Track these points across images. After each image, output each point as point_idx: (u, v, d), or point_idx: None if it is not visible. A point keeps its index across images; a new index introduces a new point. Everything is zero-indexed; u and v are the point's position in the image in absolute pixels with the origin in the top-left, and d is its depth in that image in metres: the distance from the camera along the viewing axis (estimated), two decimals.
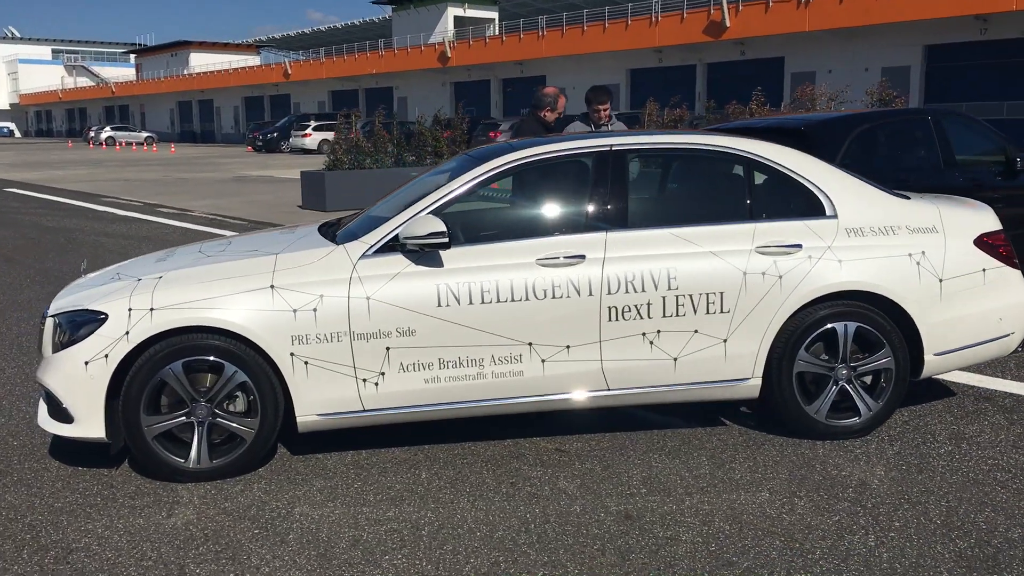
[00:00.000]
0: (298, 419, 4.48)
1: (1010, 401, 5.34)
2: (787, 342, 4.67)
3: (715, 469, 4.45)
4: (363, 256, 4.51)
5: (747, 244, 4.65)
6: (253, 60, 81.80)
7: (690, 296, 4.59)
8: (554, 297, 4.52)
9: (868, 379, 4.79)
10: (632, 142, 4.83)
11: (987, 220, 5.02)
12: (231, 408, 4.45)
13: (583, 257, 4.55)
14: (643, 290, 4.56)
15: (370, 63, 57.44)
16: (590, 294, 4.54)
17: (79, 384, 4.34)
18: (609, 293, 4.55)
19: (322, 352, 4.41)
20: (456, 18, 56.11)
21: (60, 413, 4.45)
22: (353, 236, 4.73)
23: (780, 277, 4.63)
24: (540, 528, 3.86)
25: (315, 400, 4.46)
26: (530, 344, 4.54)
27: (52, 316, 4.56)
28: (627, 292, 4.56)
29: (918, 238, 4.78)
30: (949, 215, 4.93)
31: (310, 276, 4.45)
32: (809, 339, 4.69)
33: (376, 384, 4.48)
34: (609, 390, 4.64)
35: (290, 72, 65.18)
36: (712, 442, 4.80)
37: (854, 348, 4.74)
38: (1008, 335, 4.95)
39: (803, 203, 4.80)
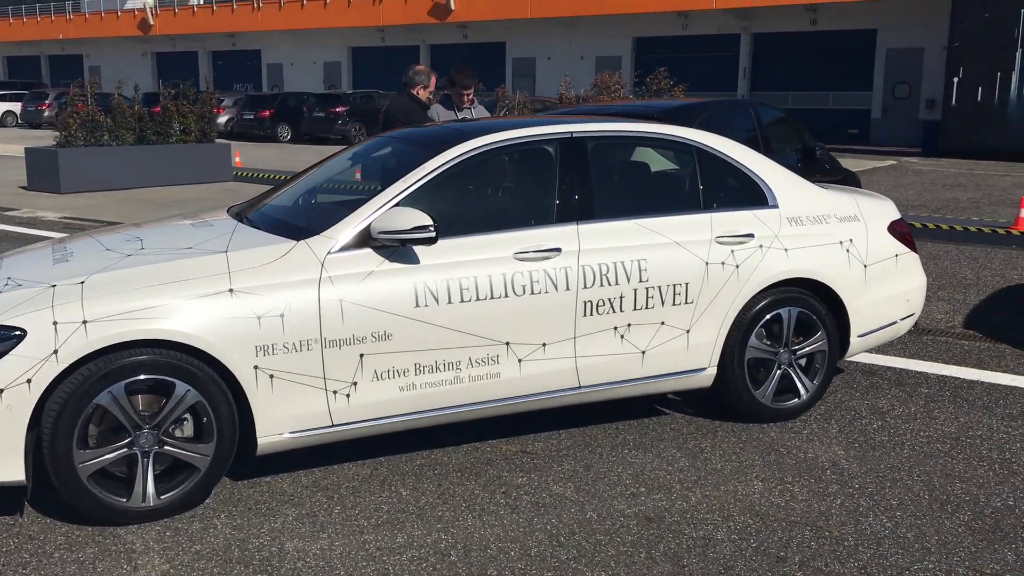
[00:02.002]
0: (260, 440, 3.93)
1: (892, 374, 5.77)
2: (740, 330, 4.75)
3: (693, 461, 4.43)
4: (330, 253, 4.02)
5: (707, 234, 4.66)
6: None
7: (659, 288, 4.53)
8: (532, 293, 4.29)
9: (803, 362, 4.97)
10: (589, 130, 4.67)
11: (891, 209, 5.37)
12: (178, 433, 3.82)
13: (559, 250, 4.35)
14: (616, 283, 4.44)
15: (56, 27, 52.19)
16: (567, 288, 4.35)
17: None
18: (585, 287, 4.38)
19: (289, 363, 3.89)
20: None
21: None
22: (290, 228, 4.22)
23: (737, 267, 4.68)
24: (572, 540, 3.65)
25: (280, 418, 3.94)
26: (507, 343, 4.28)
27: None
28: (602, 286, 4.41)
29: (845, 226, 5.02)
30: (865, 204, 5.23)
31: (273, 277, 3.91)
32: (758, 326, 4.79)
33: (348, 396, 4.03)
34: (580, 388, 4.49)
35: None
36: (667, 433, 4.78)
37: (792, 332, 4.90)
38: (911, 315, 5.35)
39: (748, 193, 4.89)
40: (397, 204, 4.15)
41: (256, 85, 44.87)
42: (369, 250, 4.07)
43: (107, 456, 3.70)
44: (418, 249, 4.11)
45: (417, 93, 7.22)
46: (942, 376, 5.70)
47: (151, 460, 3.77)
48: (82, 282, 3.77)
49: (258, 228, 4.35)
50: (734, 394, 4.81)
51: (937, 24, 27.91)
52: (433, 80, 7.26)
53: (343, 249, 4.04)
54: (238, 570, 3.43)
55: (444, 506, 3.95)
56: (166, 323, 3.69)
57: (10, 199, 14.62)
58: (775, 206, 4.89)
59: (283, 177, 17.27)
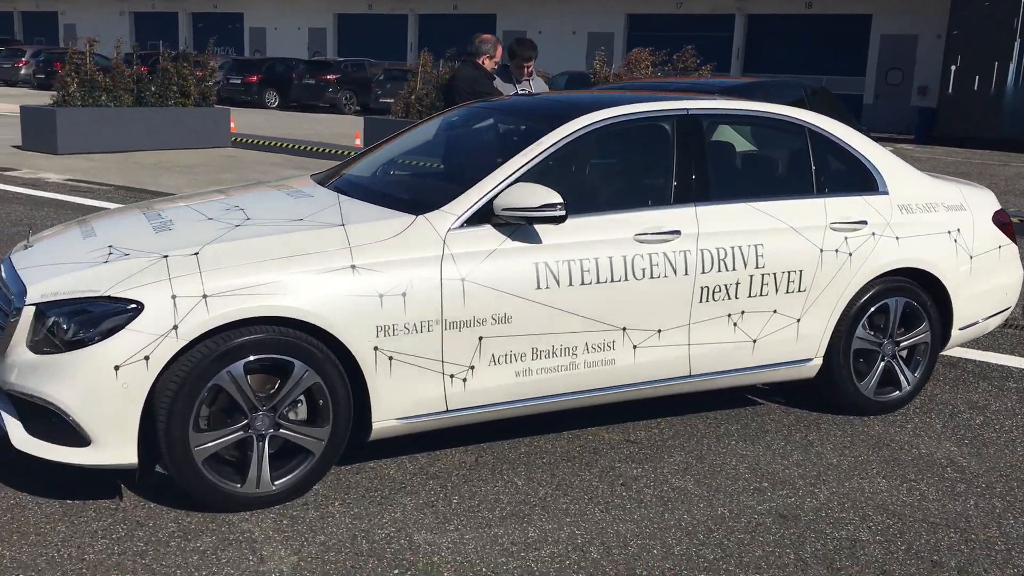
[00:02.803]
0: (375, 425, 3.72)
1: (973, 367, 5.66)
2: (848, 320, 4.59)
3: (806, 454, 4.28)
4: (451, 229, 3.80)
5: (822, 220, 4.49)
6: None
7: (774, 275, 4.36)
8: (652, 277, 4.10)
9: (904, 354, 4.83)
10: (704, 107, 4.47)
11: (993, 199, 5.23)
12: (292, 416, 3.60)
13: (679, 233, 4.16)
14: (734, 269, 4.26)
15: None
16: (685, 273, 4.16)
17: (104, 395, 3.30)
18: (703, 272, 4.20)
19: (409, 345, 3.68)
20: None
21: (61, 433, 3.38)
22: (399, 202, 3.99)
23: (850, 255, 4.52)
24: (712, 538, 3.49)
25: (396, 402, 3.73)
26: (624, 329, 4.09)
27: (33, 304, 3.43)
28: (719, 271, 4.23)
29: (953, 216, 4.87)
30: (968, 193, 5.08)
31: (395, 253, 3.68)
32: (865, 316, 4.64)
33: (464, 380, 3.83)
34: (690, 376, 4.32)
35: None
36: (769, 424, 4.63)
37: (897, 323, 4.76)
38: (1007, 309, 5.22)
39: (859, 178, 4.72)
40: (517, 180, 3.93)
41: (238, 49, 44.02)
42: (490, 227, 3.85)
43: (224, 439, 3.47)
44: (540, 228, 3.90)
45: (483, 63, 6.94)
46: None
47: (266, 444, 3.55)
48: (196, 253, 3.53)
49: (360, 200, 4.11)
50: (838, 386, 4.66)
51: (932, 12, 27.94)
52: (500, 50, 6.99)
53: (463, 226, 3.82)
54: (372, 564, 3.23)
55: (565, 498, 3.77)
56: (288, 299, 3.46)
57: (7, 159, 14.15)
58: (885, 192, 4.73)
59: (291, 145, 16.91)
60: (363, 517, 3.56)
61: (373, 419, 3.71)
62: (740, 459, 4.21)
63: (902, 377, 4.80)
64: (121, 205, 6.04)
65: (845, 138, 4.73)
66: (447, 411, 3.84)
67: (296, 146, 16.84)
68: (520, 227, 3.87)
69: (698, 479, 3.99)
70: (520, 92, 7.03)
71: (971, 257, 4.88)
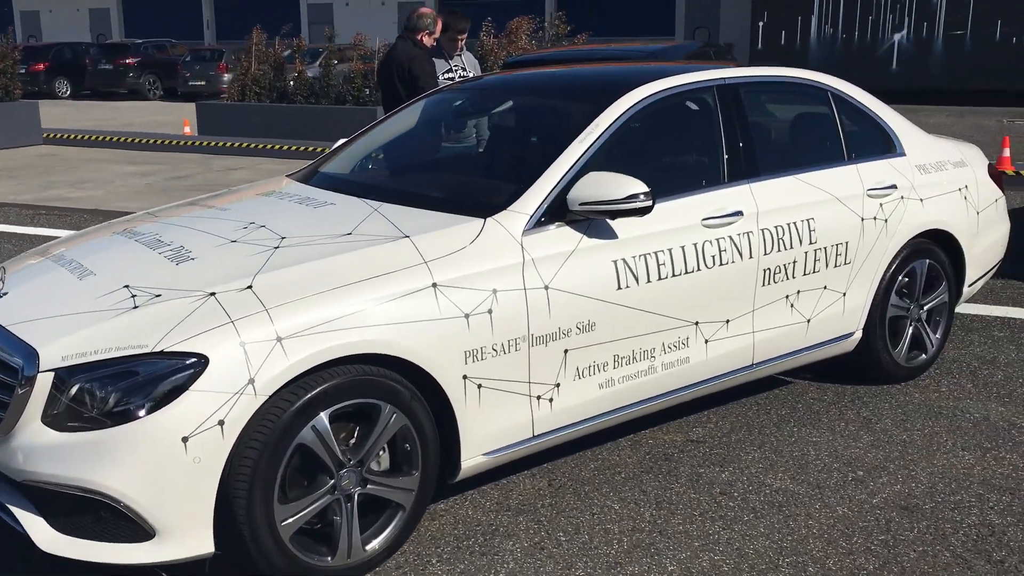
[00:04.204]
0: (463, 464, 3.23)
1: (962, 320, 5.68)
2: (883, 288, 4.44)
3: (875, 435, 4.09)
4: (525, 231, 3.32)
5: (859, 187, 4.30)
6: None
7: (824, 249, 4.13)
8: (721, 263, 3.77)
9: (926, 316, 4.74)
10: (737, 75, 4.15)
11: (981, 154, 5.21)
12: (374, 467, 3.05)
13: (741, 213, 3.84)
14: (791, 247, 4.00)
15: None
16: (750, 256, 3.86)
17: (172, 475, 2.65)
18: (765, 253, 3.91)
19: (497, 368, 3.20)
20: None
21: (112, 528, 2.71)
22: (445, 203, 3.49)
23: (885, 221, 4.35)
24: (855, 545, 3.22)
25: (485, 435, 3.24)
26: (696, 323, 3.75)
27: (51, 370, 2.71)
28: (779, 250, 3.96)
29: (960, 172, 4.80)
30: (965, 149, 5.03)
31: (474, 265, 3.18)
32: (896, 283, 4.50)
33: (550, 400, 3.38)
34: (752, 365, 4.04)
35: None
36: (815, 404, 4.42)
37: (923, 287, 4.65)
38: (999, 262, 5.24)
39: (881, 141, 4.55)
40: (581, 168, 3.49)
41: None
42: (564, 225, 3.40)
43: (312, 507, 2.89)
44: (614, 222, 3.48)
45: (421, 40, 6.31)
46: (1015, 319, 5.64)
47: (355, 505, 2.98)
48: (249, 287, 2.90)
49: (396, 204, 3.54)
50: (875, 356, 4.50)
51: None
52: (440, 25, 6.38)
53: (536, 226, 3.35)
54: None
55: (675, 518, 3.41)
56: (372, 332, 2.91)
57: None
58: (903, 154, 4.58)
59: (116, 138, 15.41)
60: (473, 573, 3.07)
61: (462, 458, 3.21)
62: (815, 447, 3.97)
63: (927, 340, 4.71)
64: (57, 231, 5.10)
65: (861, 99, 4.55)
66: (533, 437, 3.39)
67: (122, 139, 15.40)
68: (594, 222, 3.44)
69: (792, 476, 3.72)
70: (453, 68, 6.49)
71: (978, 213, 4.84)
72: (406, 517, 3.10)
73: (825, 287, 4.18)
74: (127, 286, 2.97)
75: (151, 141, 15.15)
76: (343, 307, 2.89)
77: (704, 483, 3.67)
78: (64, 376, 2.70)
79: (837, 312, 4.26)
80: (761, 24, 25.98)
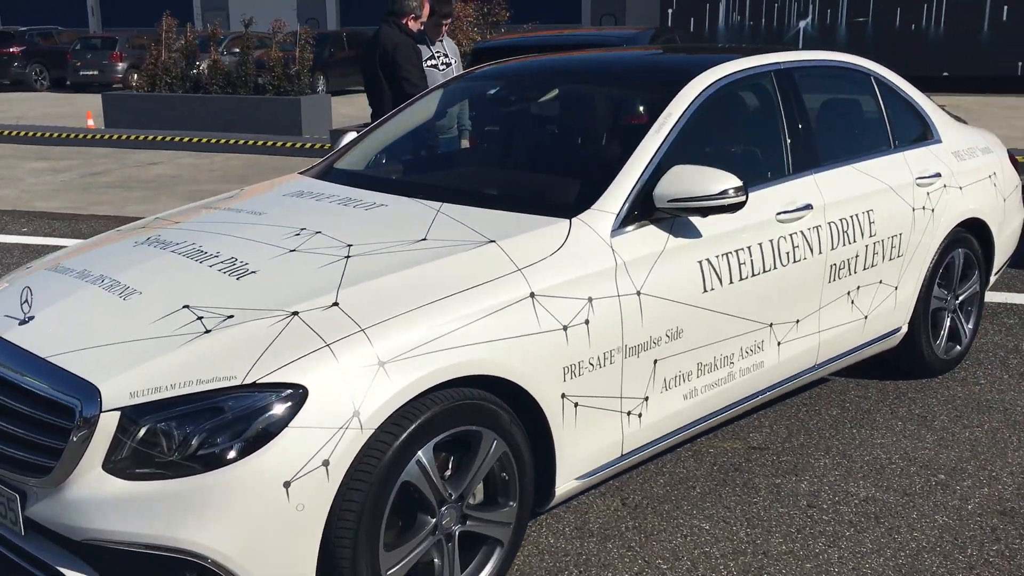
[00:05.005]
0: (557, 491, 2.92)
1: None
2: (927, 280, 4.30)
3: (938, 432, 3.94)
4: (613, 232, 3.03)
5: (908, 176, 4.13)
6: None
7: (882, 241, 3.95)
8: (794, 260, 3.55)
9: (959, 306, 4.62)
10: (789, 60, 3.91)
11: (999, 140, 5.11)
12: (470, 501, 2.72)
13: (811, 207, 3.62)
14: (854, 240, 3.81)
15: None
16: (820, 251, 3.65)
17: (272, 526, 2.28)
18: (832, 248, 3.71)
19: (593, 384, 2.90)
20: None
21: None
22: (511, 200, 3.17)
23: (932, 211, 4.21)
24: (972, 558, 3.04)
25: (579, 458, 2.94)
26: (771, 325, 3.52)
27: (118, 409, 2.30)
28: (844, 245, 3.76)
29: (988, 159, 4.69)
30: (987, 135, 4.93)
31: (568, 271, 2.86)
32: (938, 274, 4.37)
33: (640, 415, 3.10)
34: (815, 366, 3.83)
35: None
36: (862, 403, 4.25)
37: (959, 276, 4.54)
38: (1013, 249, 5.18)
39: (920, 127, 4.41)
40: (660, 161, 3.21)
41: None
42: (649, 224, 3.11)
43: (416, 552, 2.55)
44: (697, 219, 3.21)
45: (407, 24, 5.87)
46: (1018, 305, 5.61)
47: (455, 544, 2.65)
48: (335, 304, 2.52)
49: (458, 204, 3.19)
50: (919, 350, 4.36)
51: None
52: (427, 9, 5.95)
53: (621, 226, 3.06)
54: None
55: (773, 537, 3.17)
56: (477, 351, 2.57)
57: None
58: (939, 141, 4.45)
59: (17, 132, 14.38)
60: None
61: (556, 484, 2.90)
62: (883, 450, 3.80)
63: (961, 331, 4.60)
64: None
65: (898, 83, 4.40)
66: (621, 456, 3.10)
67: (23, 133, 14.38)
68: (677, 220, 3.17)
69: (874, 483, 3.53)
70: (436, 54, 6.11)
71: (1004, 200, 4.75)
72: (504, 553, 2.78)
73: (880, 281, 4.00)
74: (187, 306, 2.56)
75: (57, 135, 14.20)
76: (443, 324, 2.54)
77: (787, 495, 3.44)
78: (132, 416, 2.29)
79: (890, 307, 4.09)
80: (671, 11, 26.11)
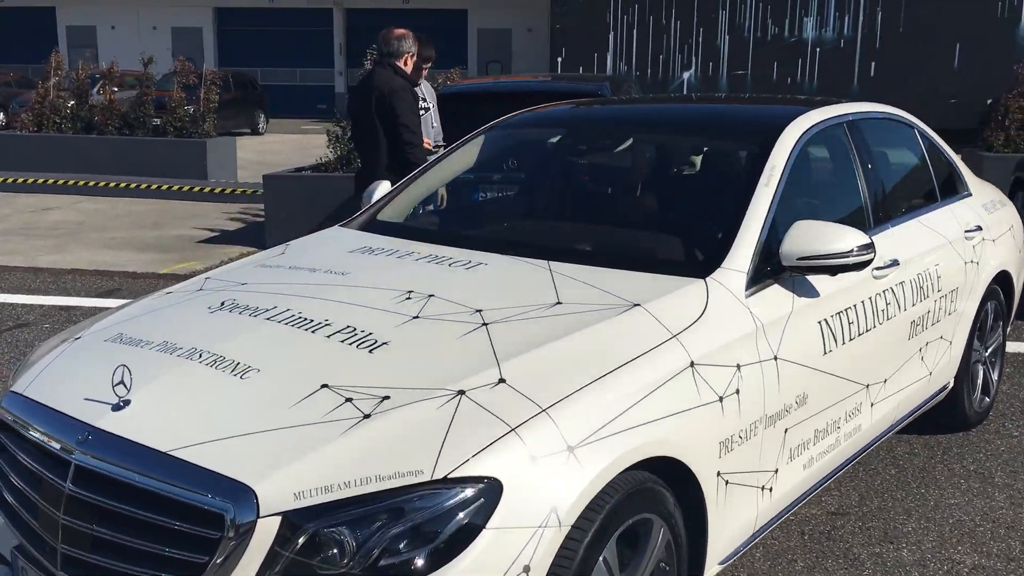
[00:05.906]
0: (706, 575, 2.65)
1: None
2: (970, 333, 4.25)
3: (1002, 491, 3.85)
4: (747, 293, 2.81)
5: (958, 230, 4.08)
6: None
7: (945, 296, 3.88)
8: (888, 317, 3.41)
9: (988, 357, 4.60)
10: (853, 111, 3.80)
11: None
12: None
13: (897, 262, 3.50)
14: (927, 296, 3.71)
15: None
16: (904, 308, 3.53)
17: None
18: (913, 304, 3.60)
19: (740, 459, 2.66)
20: None
21: None
22: (614, 258, 2.92)
23: (977, 263, 4.17)
24: None
25: (724, 540, 2.69)
26: (867, 386, 3.36)
27: (279, 514, 1.92)
28: (921, 300, 3.66)
29: (1007, 211, 4.72)
30: (995, 187, 4.98)
31: (717, 337, 2.62)
32: (977, 326, 4.33)
33: (771, 490, 2.87)
34: (891, 427, 3.70)
35: None
36: (912, 459, 4.15)
37: (989, 328, 4.52)
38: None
39: (955, 179, 4.39)
40: (774, 217, 3.02)
41: None
42: (774, 283, 2.91)
43: None
44: (814, 278, 3.03)
45: (404, 65, 5.50)
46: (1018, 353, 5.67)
47: None
48: (502, 379, 2.20)
49: (566, 263, 2.91)
50: (960, 404, 4.30)
51: (523, 7, 29.41)
52: (417, 47, 5.59)
53: (751, 285, 2.84)
54: None
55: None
56: (654, 431, 2.29)
57: None
58: (970, 194, 4.44)
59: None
60: None
61: (705, 569, 2.63)
62: (962, 511, 3.68)
63: (991, 382, 4.59)
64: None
65: (932, 135, 4.37)
66: (752, 536, 2.86)
67: None
68: (797, 278, 2.98)
69: (972, 548, 3.40)
70: (420, 99, 5.79)
71: (1020, 252, 4.79)
72: None
73: (941, 337, 3.92)
74: (326, 385, 2.18)
75: None
76: (618, 400, 2.26)
77: (893, 566, 3.27)
78: (296, 521, 1.91)
79: (946, 362, 4.02)
80: (560, 60, 26.47)
